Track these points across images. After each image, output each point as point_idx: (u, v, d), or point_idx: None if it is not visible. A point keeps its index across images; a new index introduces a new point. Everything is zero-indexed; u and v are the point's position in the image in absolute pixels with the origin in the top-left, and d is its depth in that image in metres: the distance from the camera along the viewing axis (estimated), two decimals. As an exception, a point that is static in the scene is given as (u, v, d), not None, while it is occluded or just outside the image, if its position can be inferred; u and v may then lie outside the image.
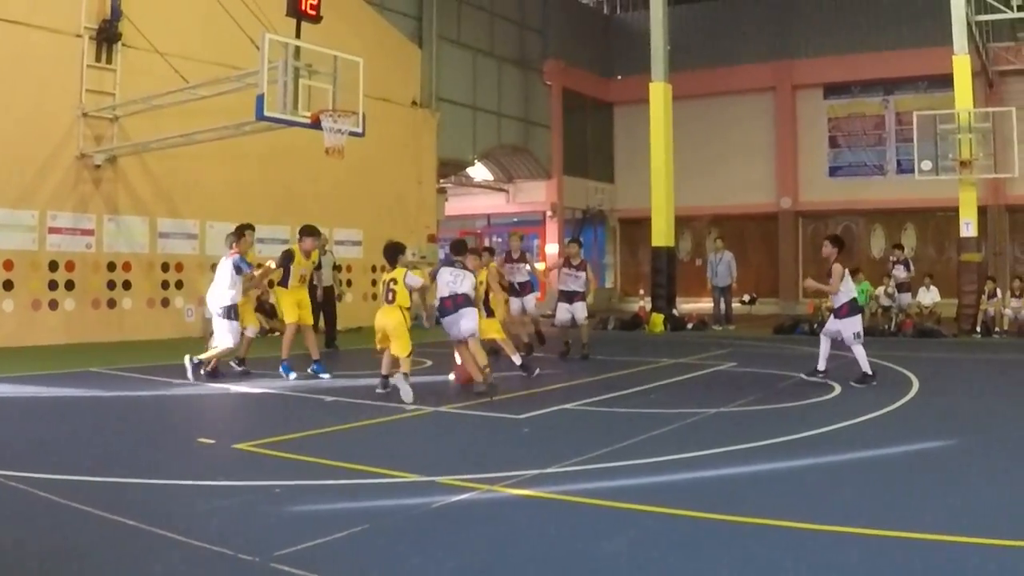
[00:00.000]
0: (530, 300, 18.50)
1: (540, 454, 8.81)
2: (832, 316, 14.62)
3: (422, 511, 6.77)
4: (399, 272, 13.14)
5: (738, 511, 6.64)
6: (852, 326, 14.13)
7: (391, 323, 12.96)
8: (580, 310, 18.20)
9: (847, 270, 14.46)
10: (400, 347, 12.82)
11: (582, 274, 18.35)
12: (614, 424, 10.97)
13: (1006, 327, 23.52)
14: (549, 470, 7.96)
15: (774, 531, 6.22)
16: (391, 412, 11.55)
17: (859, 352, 14.02)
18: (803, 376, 14.66)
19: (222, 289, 14.73)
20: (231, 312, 14.70)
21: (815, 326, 24.26)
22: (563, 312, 18.40)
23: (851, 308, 14.27)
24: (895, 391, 13.01)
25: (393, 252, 13.52)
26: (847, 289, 14.30)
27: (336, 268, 22.35)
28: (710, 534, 6.29)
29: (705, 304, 31.00)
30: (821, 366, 14.33)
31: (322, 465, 8.27)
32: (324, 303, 20.55)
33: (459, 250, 14.03)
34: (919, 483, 7.75)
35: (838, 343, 14.41)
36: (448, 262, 13.91)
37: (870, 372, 13.81)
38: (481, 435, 10.36)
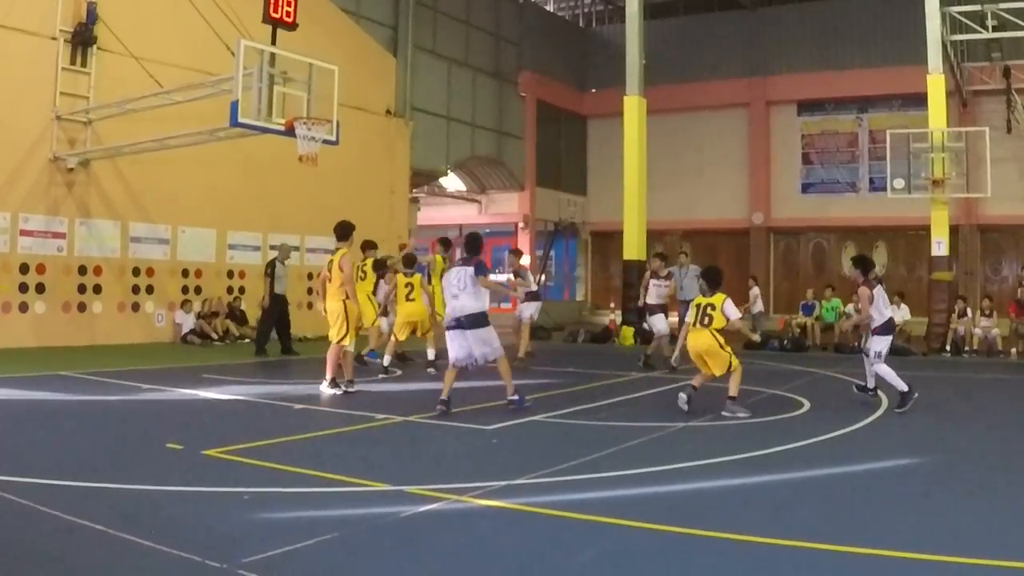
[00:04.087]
0: (526, 309, 19.24)
1: (508, 465, 8.84)
2: (873, 336, 13.81)
3: (390, 520, 6.77)
4: (718, 298, 12.66)
5: (704, 525, 6.66)
6: (877, 344, 13.68)
7: (703, 345, 12.59)
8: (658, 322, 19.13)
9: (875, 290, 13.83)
10: (717, 366, 12.62)
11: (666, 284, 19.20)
12: (583, 436, 10.99)
13: (975, 346, 23.63)
14: (517, 481, 7.98)
15: (739, 546, 6.25)
16: (361, 421, 11.55)
17: (883, 371, 13.48)
18: (855, 390, 14.51)
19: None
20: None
21: (785, 342, 24.43)
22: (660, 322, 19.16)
23: (884, 327, 13.75)
24: (864, 408, 13.06)
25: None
26: (886, 305, 13.96)
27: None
28: (675, 548, 6.33)
29: (674, 318, 31.02)
30: (901, 386, 13.13)
31: (291, 473, 8.26)
32: (275, 311, 20.54)
33: (475, 247, 13.05)
34: (885, 500, 7.78)
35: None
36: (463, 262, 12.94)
37: (907, 389, 13.02)
38: (450, 445, 10.35)
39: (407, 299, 16.93)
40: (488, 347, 12.50)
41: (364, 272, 17.24)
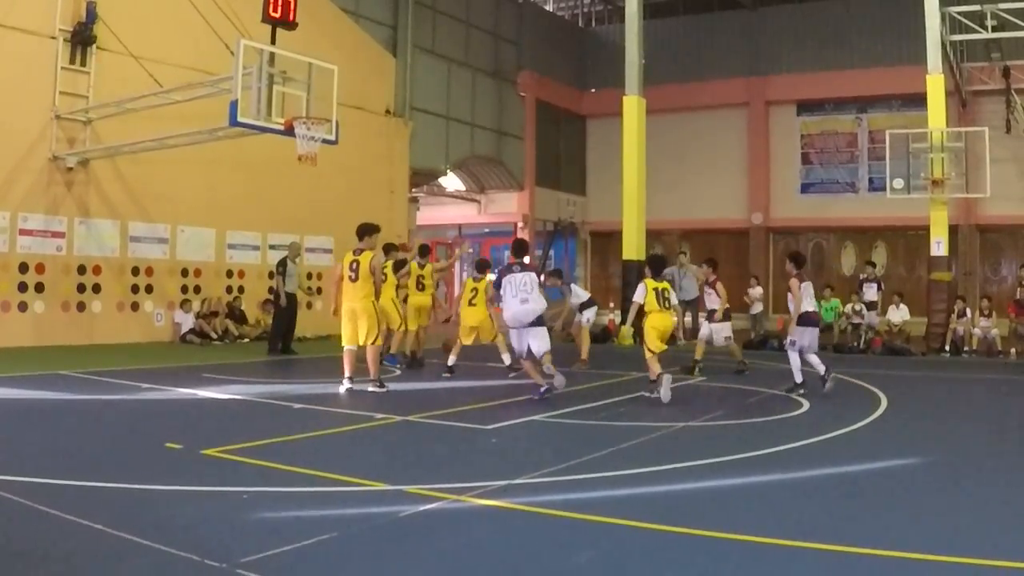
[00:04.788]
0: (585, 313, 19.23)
1: (508, 465, 8.84)
2: (796, 327, 14.98)
3: (389, 520, 6.77)
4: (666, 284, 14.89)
5: (703, 525, 6.67)
6: (794, 334, 14.82)
7: (672, 326, 14.95)
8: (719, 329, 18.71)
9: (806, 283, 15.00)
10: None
11: (713, 292, 18.82)
12: (582, 436, 11.00)
13: (975, 347, 23.59)
14: (516, 481, 7.98)
15: (739, 546, 6.25)
16: (360, 420, 11.55)
17: (792, 359, 14.84)
18: (786, 392, 14.82)
19: None
20: None
21: (784, 342, 24.40)
22: (704, 328, 18.96)
23: (801, 319, 14.80)
24: (863, 408, 13.07)
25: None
26: (808, 300, 14.90)
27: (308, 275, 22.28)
28: (675, 548, 6.33)
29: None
30: (798, 378, 14.73)
31: (290, 472, 8.26)
32: (288, 310, 20.60)
33: (521, 250, 14.44)
34: (884, 500, 7.78)
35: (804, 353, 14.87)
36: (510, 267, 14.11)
37: (800, 381, 14.64)
38: (449, 445, 10.34)
39: (470, 304, 17.17)
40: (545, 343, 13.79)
41: (385, 274, 17.25)
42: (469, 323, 17.12)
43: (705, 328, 18.65)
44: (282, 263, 20.80)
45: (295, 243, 22.24)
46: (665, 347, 14.60)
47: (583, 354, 18.71)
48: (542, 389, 13.50)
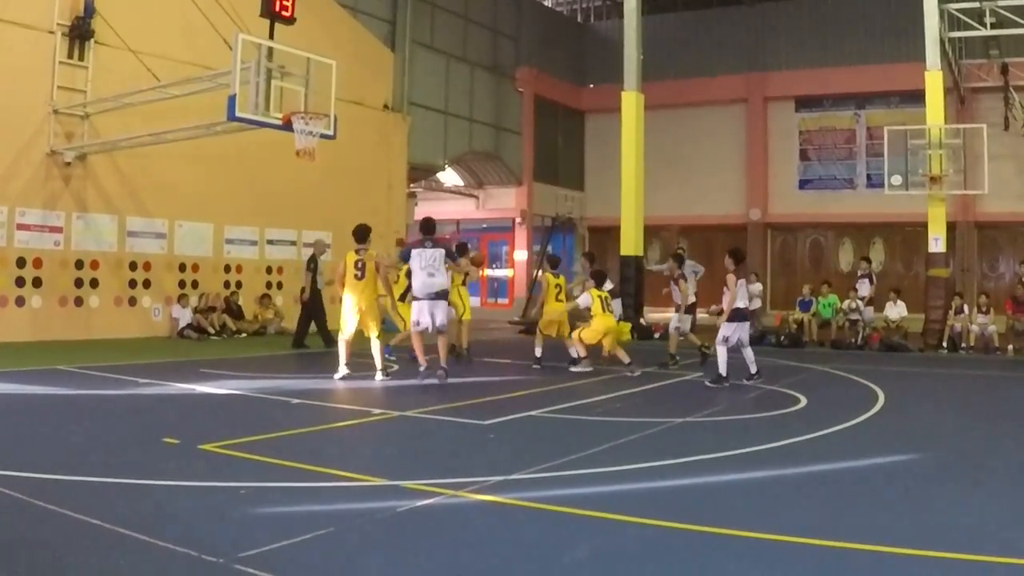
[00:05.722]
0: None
1: (505, 460, 8.83)
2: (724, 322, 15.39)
3: (386, 515, 6.77)
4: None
5: (700, 521, 6.67)
6: (727, 330, 15.16)
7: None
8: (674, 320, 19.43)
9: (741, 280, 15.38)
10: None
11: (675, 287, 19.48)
12: (579, 432, 10.98)
13: (972, 343, 23.62)
14: (513, 476, 7.98)
15: (735, 541, 6.26)
16: (357, 416, 11.56)
17: (720, 352, 15.17)
18: (708, 384, 15.30)
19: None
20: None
21: (782, 338, 24.44)
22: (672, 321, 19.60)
23: (737, 315, 15.23)
24: (861, 405, 13.07)
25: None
26: (741, 296, 15.28)
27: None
28: (672, 543, 6.32)
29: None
30: (723, 371, 15.10)
31: (288, 467, 8.26)
32: (315, 305, 20.82)
33: (430, 228, 15.14)
34: (881, 496, 7.78)
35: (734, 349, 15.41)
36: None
37: (725, 375, 15.05)
38: (446, 440, 10.34)
39: (556, 299, 18.10)
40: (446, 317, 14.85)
41: (398, 276, 17.35)
42: (551, 317, 18.07)
43: (674, 320, 18.98)
44: (313, 260, 21.11)
45: (320, 240, 22.33)
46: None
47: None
48: (421, 368, 14.55)
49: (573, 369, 16.93)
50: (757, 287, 28.08)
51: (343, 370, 14.84)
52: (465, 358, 18.19)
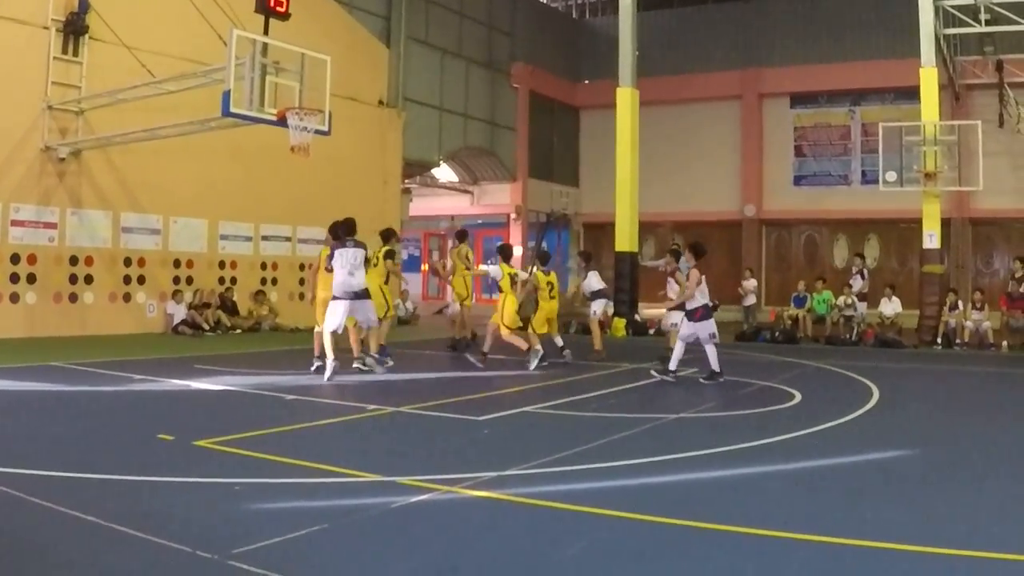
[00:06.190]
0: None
1: (500, 456, 8.84)
2: (685, 319, 15.30)
3: (381, 511, 6.77)
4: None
5: (694, 516, 6.67)
6: (707, 328, 15.02)
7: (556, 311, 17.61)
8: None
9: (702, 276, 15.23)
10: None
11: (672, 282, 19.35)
12: (574, 428, 10.99)
13: (967, 339, 23.62)
14: (508, 472, 7.99)
15: (730, 537, 6.28)
16: (351, 411, 11.57)
17: (711, 352, 15.00)
18: (654, 372, 15.57)
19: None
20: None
21: (776, 334, 24.46)
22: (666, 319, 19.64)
23: (705, 312, 15.07)
24: (855, 400, 13.09)
25: None
26: (702, 293, 15.12)
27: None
28: (666, 539, 6.32)
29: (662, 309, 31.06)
30: (673, 365, 15.10)
31: (282, 463, 8.26)
32: None
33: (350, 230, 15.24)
34: (874, 492, 7.79)
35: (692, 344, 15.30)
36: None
37: (719, 370, 14.96)
38: (441, 436, 10.35)
39: (549, 297, 17.96)
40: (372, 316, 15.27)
41: (377, 259, 17.28)
42: (547, 314, 18.00)
43: (668, 319, 19.07)
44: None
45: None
46: (546, 330, 17.74)
47: (596, 345, 19.28)
48: (315, 364, 14.99)
49: (532, 367, 16.65)
50: (752, 283, 28.16)
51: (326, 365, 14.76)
52: (472, 351, 18.30)
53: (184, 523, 6.34)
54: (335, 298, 14.60)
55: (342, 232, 15.02)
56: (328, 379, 14.19)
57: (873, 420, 11.79)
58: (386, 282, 16.92)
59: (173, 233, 23.81)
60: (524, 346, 16.57)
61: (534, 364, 16.52)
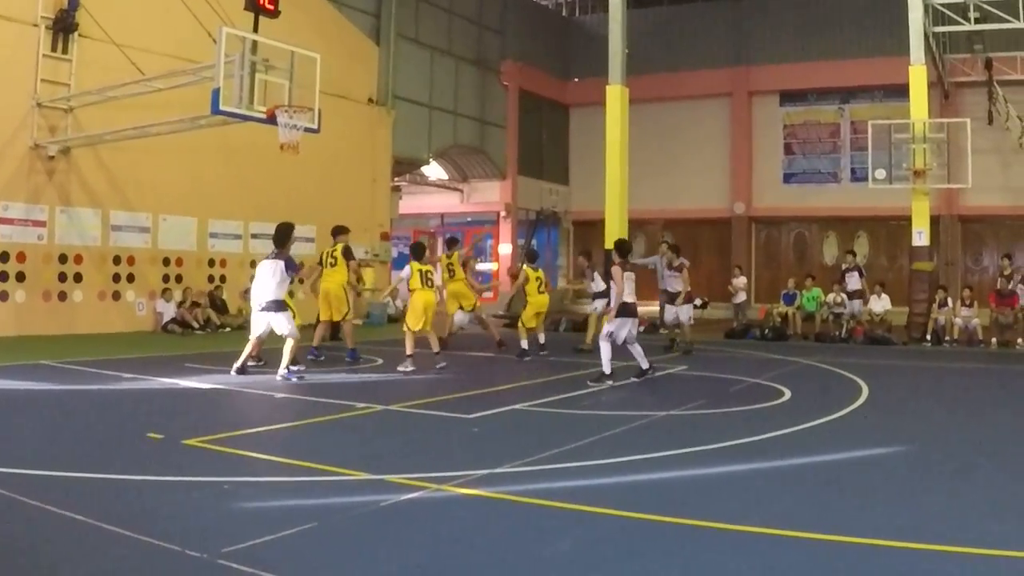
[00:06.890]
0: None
1: (489, 454, 8.84)
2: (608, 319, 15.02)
3: (370, 509, 6.78)
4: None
5: (684, 513, 6.69)
6: (610, 325, 14.69)
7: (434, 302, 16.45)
8: (684, 312, 20.11)
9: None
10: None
11: (678, 275, 20.06)
12: (564, 425, 11.00)
13: (956, 336, 23.66)
14: (498, 470, 7.99)
15: (719, 534, 6.29)
16: (341, 410, 11.56)
17: (604, 348, 14.50)
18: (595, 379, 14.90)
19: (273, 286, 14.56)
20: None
21: (766, 331, 24.50)
22: (669, 313, 20.47)
23: (620, 310, 14.71)
24: (844, 398, 13.11)
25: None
26: (628, 291, 14.87)
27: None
28: (656, 536, 6.34)
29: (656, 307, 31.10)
30: (607, 368, 14.46)
31: (271, 462, 8.27)
32: None
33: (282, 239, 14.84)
34: (865, 489, 7.81)
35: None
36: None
37: (609, 372, 14.36)
38: (430, 434, 10.36)
39: (539, 292, 18.51)
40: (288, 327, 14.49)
41: (335, 259, 17.08)
42: (537, 308, 18.61)
43: (671, 312, 19.19)
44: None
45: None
46: (535, 324, 18.46)
47: (588, 339, 19.56)
48: (236, 365, 14.81)
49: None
50: (742, 280, 28.19)
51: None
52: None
53: (173, 522, 6.33)
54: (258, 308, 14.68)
55: (275, 243, 14.79)
56: (279, 378, 14.19)
57: (862, 417, 11.82)
58: (359, 280, 16.91)
59: (163, 231, 23.78)
60: (410, 351, 15.71)
61: (408, 368, 15.55)
